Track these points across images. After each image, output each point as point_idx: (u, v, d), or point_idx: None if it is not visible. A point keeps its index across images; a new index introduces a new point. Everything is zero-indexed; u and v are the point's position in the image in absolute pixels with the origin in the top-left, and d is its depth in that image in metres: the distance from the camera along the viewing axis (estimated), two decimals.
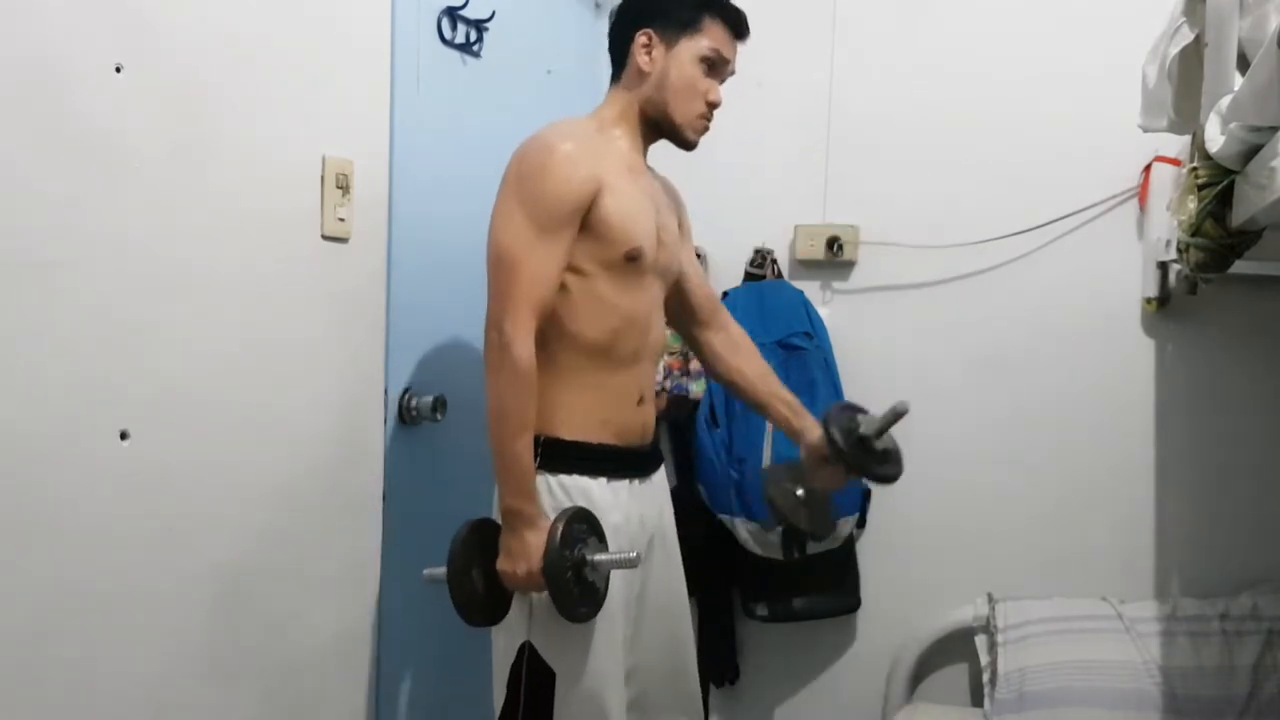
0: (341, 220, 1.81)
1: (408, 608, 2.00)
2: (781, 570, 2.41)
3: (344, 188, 1.81)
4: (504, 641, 1.74)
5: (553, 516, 1.67)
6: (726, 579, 2.53)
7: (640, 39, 1.80)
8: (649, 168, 1.89)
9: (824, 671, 2.61)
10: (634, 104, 1.82)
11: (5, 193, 1.25)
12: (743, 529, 2.37)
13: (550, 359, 1.70)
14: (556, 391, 1.71)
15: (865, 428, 1.84)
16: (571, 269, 1.70)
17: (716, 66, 1.82)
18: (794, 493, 1.90)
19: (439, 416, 1.98)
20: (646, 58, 1.79)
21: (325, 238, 1.78)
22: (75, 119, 1.33)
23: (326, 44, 1.77)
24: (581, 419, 1.73)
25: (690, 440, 2.47)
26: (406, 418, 1.98)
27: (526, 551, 1.63)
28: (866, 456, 1.85)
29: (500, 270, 1.67)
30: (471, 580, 1.70)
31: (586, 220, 1.69)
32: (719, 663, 2.57)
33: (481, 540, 1.71)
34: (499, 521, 1.71)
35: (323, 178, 1.77)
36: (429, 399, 1.97)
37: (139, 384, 1.44)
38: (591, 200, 1.68)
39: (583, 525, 1.67)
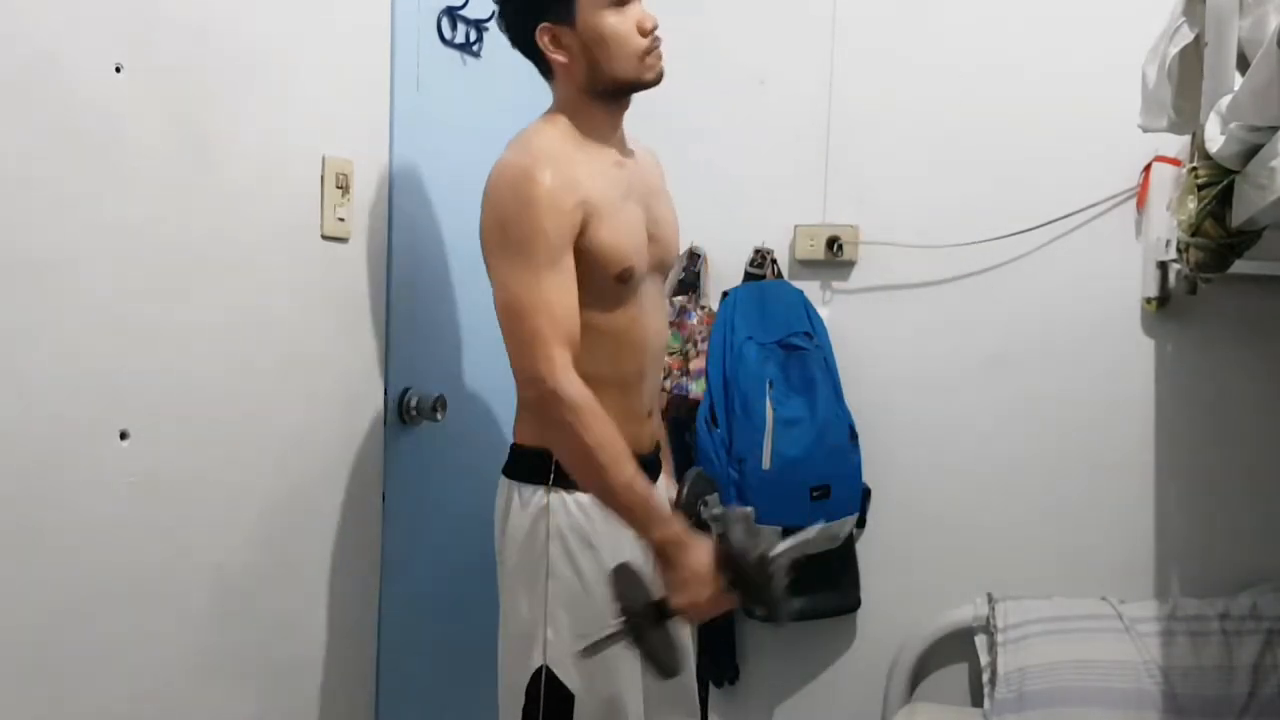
0: (341, 220, 1.81)
1: (408, 608, 2.00)
2: None
3: (344, 188, 1.81)
4: (514, 666, 1.69)
5: (568, 536, 1.61)
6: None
7: (542, 37, 1.66)
8: (627, 149, 1.77)
9: (824, 671, 2.60)
10: (580, 93, 1.69)
11: (4, 193, 1.25)
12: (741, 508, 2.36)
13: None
14: None
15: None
16: None
17: (634, 25, 1.66)
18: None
19: (439, 416, 1.98)
20: (559, 53, 1.66)
21: (325, 238, 1.78)
22: (75, 119, 1.33)
23: (326, 44, 1.77)
24: None
25: (690, 440, 2.47)
26: (406, 418, 1.98)
27: (699, 575, 1.51)
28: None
29: (516, 323, 1.56)
30: (651, 634, 1.51)
31: (576, 245, 1.60)
32: (719, 663, 2.57)
33: (637, 587, 1.53)
34: (628, 564, 1.57)
35: (323, 178, 1.77)
36: (429, 399, 1.97)
37: (139, 384, 1.44)
38: (583, 222, 1.60)
39: (741, 523, 1.54)
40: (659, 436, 1.89)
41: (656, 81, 1.71)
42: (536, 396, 1.56)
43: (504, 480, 1.73)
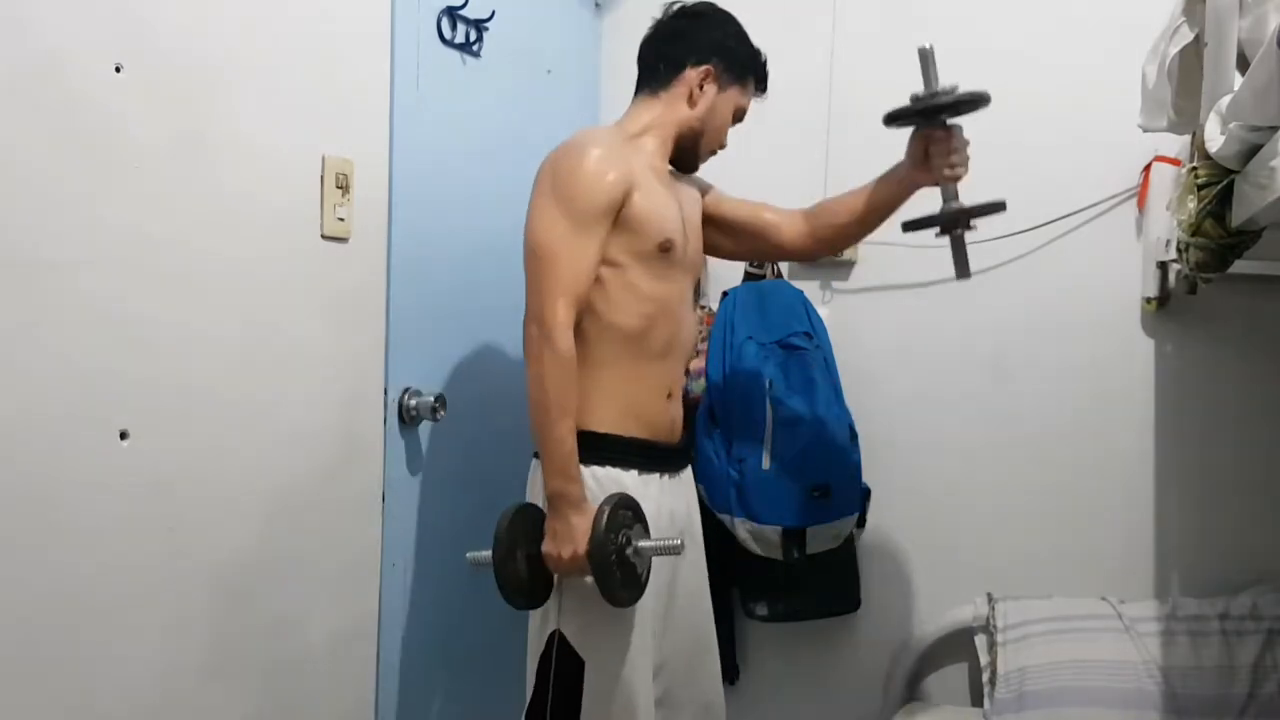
0: (341, 220, 1.81)
1: (408, 608, 2.00)
2: (781, 570, 2.40)
3: (344, 187, 1.81)
4: (535, 630, 1.78)
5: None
6: (726, 579, 2.53)
7: (703, 70, 1.87)
8: (672, 173, 1.94)
9: (824, 671, 2.60)
10: (670, 123, 1.88)
11: (5, 193, 1.25)
12: (742, 529, 2.37)
13: (585, 352, 1.73)
14: (589, 385, 1.74)
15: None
16: (606, 262, 1.75)
17: (739, 118, 1.96)
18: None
19: (439, 416, 1.98)
20: (700, 90, 1.88)
21: (325, 237, 1.79)
22: (75, 119, 1.33)
23: (326, 44, 1.77)
24: (613, 413, 1.77)
25: (690, 439, 2.47)
26: (406, 417, 1.98)
27: (572, 534, 1.66)
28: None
29: (538, 264, 1.71)
30: (515, 564, 1.71)
31: (620, 217, 1.74)
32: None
33: (525, 524, 1.73)
34: (541, 507, 1.74)
35: (323, 177, 1.77)
36: (429, 399, 1.97)
37: (139, 384, 1.44)
38: (624, 199, 1.73)
39: (627, 511, 1.70)
40: (681, 428, 1.95)
41: (693, 170, 1.98)
42: (536, 333, 1.69)
43: (534, 461, 1.80)
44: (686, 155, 1.92)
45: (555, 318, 1.68)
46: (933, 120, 1.86)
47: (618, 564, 1.66)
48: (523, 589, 1.73)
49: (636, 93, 1.93)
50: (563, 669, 1.72)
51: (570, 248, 1.70)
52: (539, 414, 1.69)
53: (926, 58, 1.81)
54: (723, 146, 1.96)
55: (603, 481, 1.75)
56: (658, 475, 1.83)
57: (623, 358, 1.78)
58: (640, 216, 1.75)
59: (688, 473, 1.94)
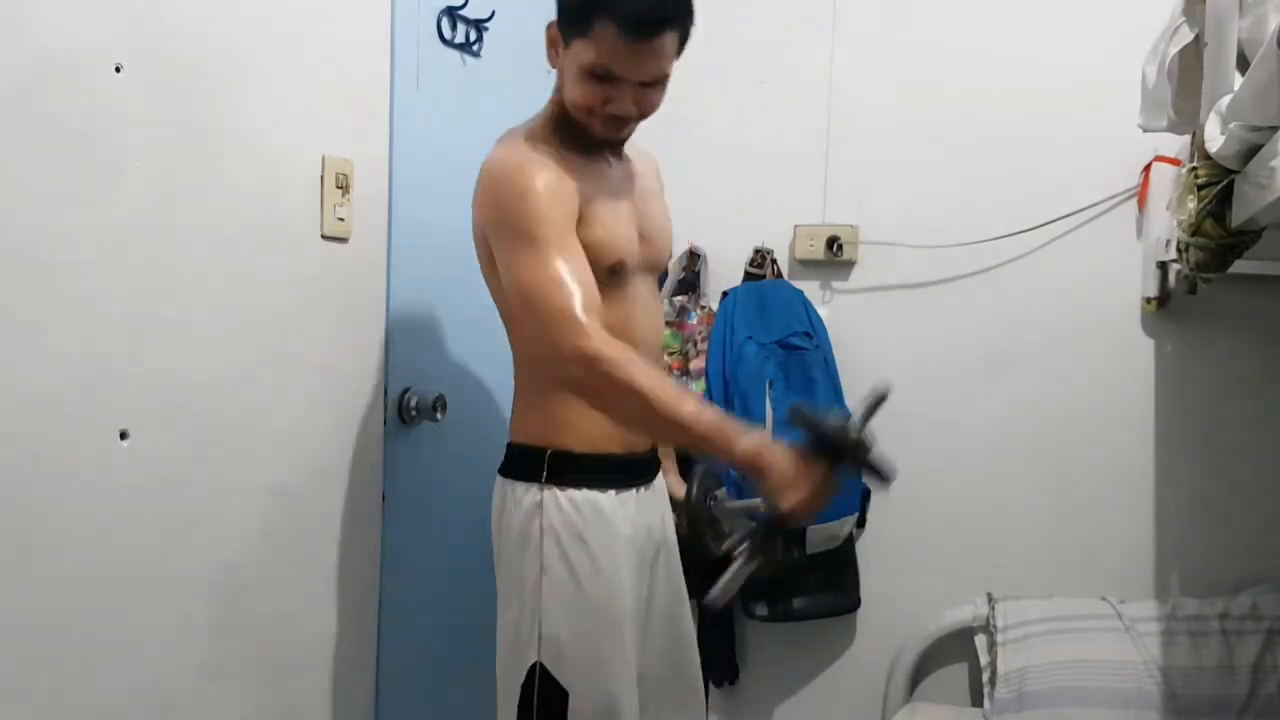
0: (341, 220, 1.81)
1: (408, 608, 2.00)
2: (781, 570, 2.40)
3: (344, 187, 1.81)
4: (509, 663, 1.69)
5: (561, 532, 1.63)
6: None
7: (548, 30, 1.63)
8: (611, 156, 1.74)
9: (824, 671, 2.61)
10: (552, 104, 1.69)
11: (5, 193, 1.25)
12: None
13: (549, 375, 1.63)
14: (559, 406, 1.65)
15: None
16: None
17: (606, 80, 1.58)
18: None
19: (439, 416, 1.98)
20: (553, 53, 1.64)
21: (325, 238, 1.78)
22: (75, 119, 1.33)
23: (326, 44, 1.77)
24: (588, 431, 1.66)
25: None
26: (406, 417, 1.98)
27: (794, 472, 1.44)
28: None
29: (536, 306, 1.52)
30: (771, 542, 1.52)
31: None
32: (719, 663, 2.57)
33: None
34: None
35: (323, 177, 1.77)
36: (429, 399, 1.97)
37: (139, 384, 1.44)
38: (579, 211, 1.58)
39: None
40: None
41: (606, 143, 1.69)
42: (581, 369, 1.47)
43: (499, 479, 1.73)
44: (580, 129, 1.66)
45: (587, 336, 1.46)
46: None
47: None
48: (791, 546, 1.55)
49: None
50: (545, 701, 1.64)
51: (556, 271, 1.51)
52: (660, 423, 1.49)
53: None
54: (613, 113, 1.61)
55: (580, 506, 1.65)
56: (634, 491, 1.73)
57: None
58: (587, 240, 1.58)
59: (659, 481, 1.85)
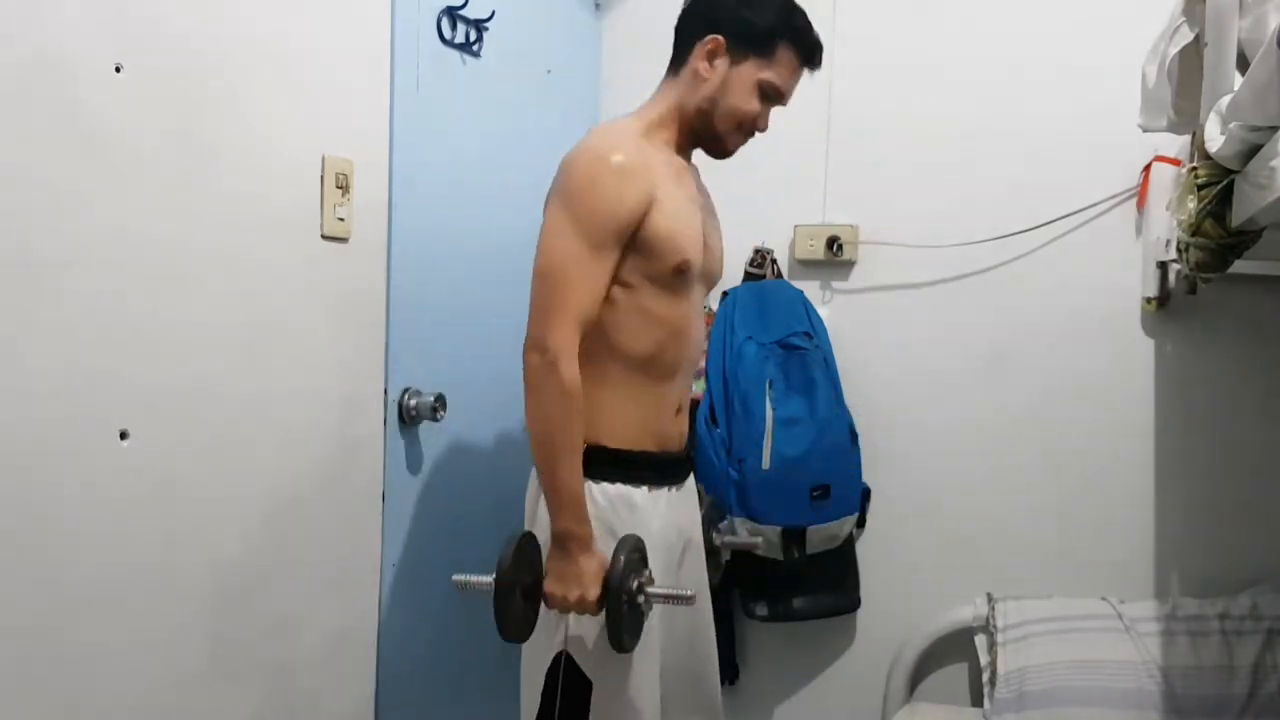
0: (341, 220, 1.81)
1: (408, 608, 2.00)
2: (781, 570, 2.41)
3: (344, 187, 1.81)
4: (534, 652, 1.70)
5: (594, 525, 1.64)
6: (726, 579, 2.53)
7: (706, 43, 1.73)
8: (692, 166, 1.85)
9: (824, 671, 2.61)
10: (683, 106, 1.76)
11: (5, 192, 1.25)
12: (742, 529, 2.37)
13: (595, 369, 1.66)
14: (601, 400, 1.67)
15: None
16: (618, 282, 1.66)
17: (770, 96, 1.77)
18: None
19: (439, 416, 1.98)
20: (707, 64, 1.74)
21: (325, 237, 1.78)
22: (75, 119, 1.33)
23: (326, 44, 1.77)
24: (624, 428, 1.70)
25: (690, 439, 2.47)
26: (406, 417, 1.98)
27: (580, 578, 1.59)
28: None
29: (548, 284, 1.61)
30: (515, 597, 1.62)
31: (636, 235, 1.65)
32: (719, 663, 2.57)
33: (526, 557, 1.64)
34: (541, 519, 1.68)
35: (322, 177, 1.77)
36: (429, 398, 1.97)
37: (139, 384, 1.44)
38: (643, 218, 1.64)
39: (636, 554, 1.63)
40: (687, 437, 1.90)
41: (724, 155, 1.83)
42: (539, 361, 1.59)
43: (534, 472, 1.73)
44: (706, 140, 1.80)
45: (561, 345, 1.58)
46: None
47: (629, 611, 1.60)
48: (517, 622, 1.64)
49: (664, 78, 1.82)
50: (570, 690, 1.66)
51: (582, 270, 1.61)
52: (543, 451, 1.60)
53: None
54: (757, 128, 1.79)
55: (613, 498, 1.68)
56: (666, 490, 1.77)
57: (632, 377, 1.70)
58: (657, 238, 1.65)
59: (691, 481, 1.89)
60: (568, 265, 1.61)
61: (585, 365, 1.65)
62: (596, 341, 1.67)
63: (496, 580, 1.60)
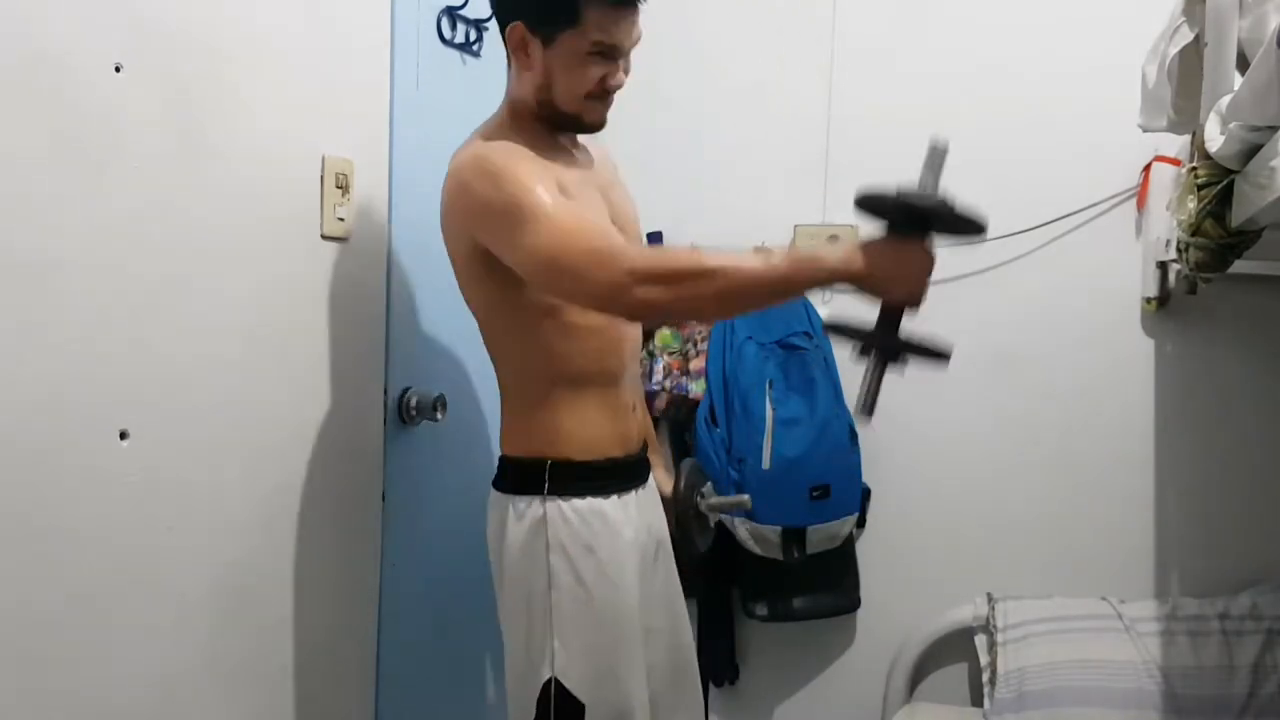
0: (341, 220, 1.81)
1: (408, 608, 2.00)
2: (781, 570, 2.41)
3: (344, 187, 1.81)
4: (521, 681, 1.68)
5: (568, 544, 1.63)
6: (726, 579, 2.53)
7: (512, 33, 1.62)
8: (571, 146, 1.74)
9: (824, 671, 2.61)
10: (525, 102, 1.66)
11: (5, 192, 1.25)
12: (742, 529, 2.37)
13: (543, 390, 1.65)
14: (556, 413, 1.66)
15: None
16: (534, 304, 1.61)
17: (608, 54, 1.61)
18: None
19: (439, 416, 1.98)
20: (522, 55, 1.62)
21: (325, 237, 1.78)
22: (75, 118, 1.33)
23: (326, 44, 1.77)
24: (586, 438, 1.67)
25: (690, 440, 2.47)
26: (406, 417, 1.98)
27: (890, 264, 1.45)
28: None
29: (560, 265, 1.48)
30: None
31: None
32: (719, 663, 2.57)
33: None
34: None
35: (322, 177, 1.77)
36: (429, 398, 1.97)
37: (139, 384, 1.44)
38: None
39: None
40: (647, 433, 1.90)
41: (595, 127, 1.69)
42: (647, 285, 1.44)
43: (495, 494, 1.71)
44: (565, 124, 1.68)
45: (633, 259, 1.44)
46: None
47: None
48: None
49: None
50: (563, 716, 1.63)
51: (561, 222, 1.49)
52: (749, 294, 1.47)
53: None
54: (610, 89, 1.64)
55: (584, 514, 1.64)
56: (633, 493, 1.74)
57: (580, 391, 1.67)
58: None
59: (652, 479, 1.85)
60: (548, 237, 1.48)
61: (533, 383, 1.64)
62: (538, 365, 1.65)
63: (877, 351, 1.52)
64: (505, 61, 1.71)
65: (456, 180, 1.61)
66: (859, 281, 1.45)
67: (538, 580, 1.64)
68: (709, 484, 1.98)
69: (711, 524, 2.00)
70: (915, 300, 1.49)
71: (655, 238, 2.46)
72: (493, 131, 1.67)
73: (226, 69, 1.57)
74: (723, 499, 2.05)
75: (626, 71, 1.66)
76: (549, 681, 1.63)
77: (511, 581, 1.68)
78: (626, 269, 1.44)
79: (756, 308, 1.51)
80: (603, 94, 1.64)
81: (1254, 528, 2.37)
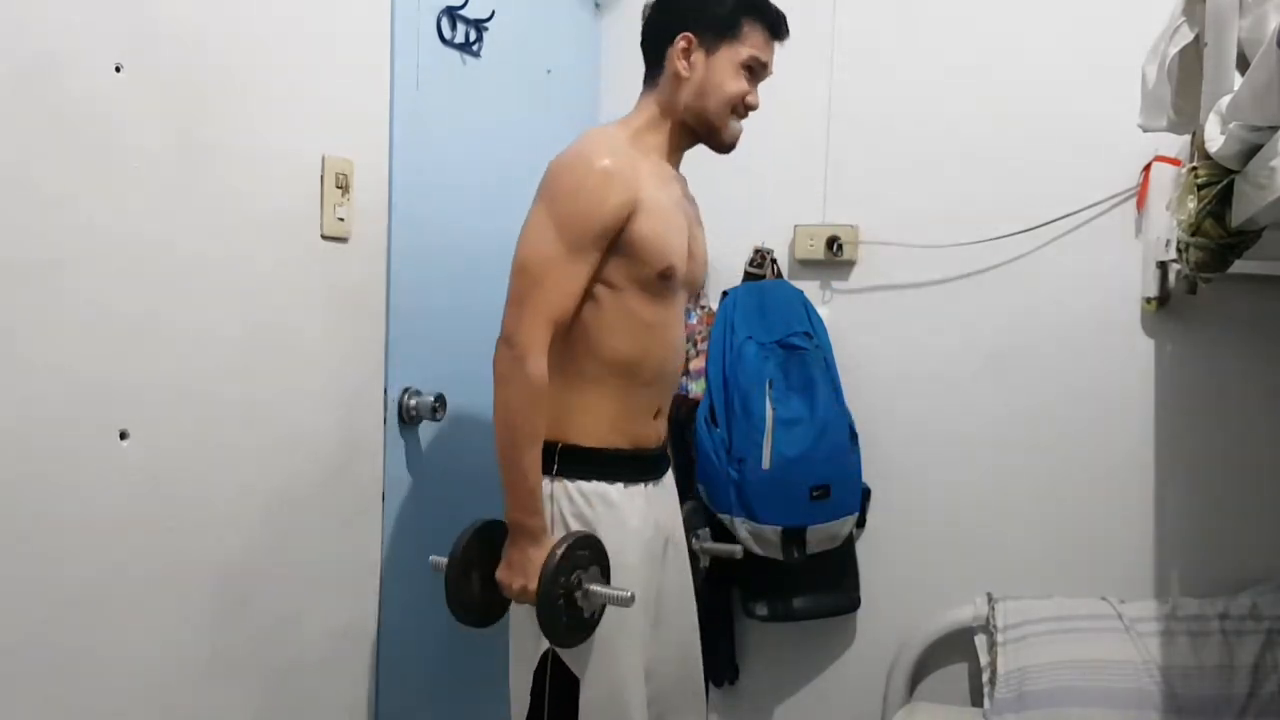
0: (341, 220, 1.81)
1: (408, 608, 2.00)
2: (781, 570, 2.41)
3: (344, 187, 1.81)
4: (522, 649, 1.74)
5: (571, 523, 1.68)
6: (726, 579, 2.53)
7: (679, 43, 1.78)
8: (680, 176, 1.88)
9: (824, 671, 2.61)
10: (670, 109, 1.81)
11: (5, 192, 1.25)
12: (742, 528, 2.37)
13: (574, 368, 1.70)
14: (578, 399, 1.71)
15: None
16: (604, 283, 1.69)
17: (755, 72, 1.82)
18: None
19: (439, 416, 1.98)
20: (685, 63, 1.78)
21: (325, 237, 1.79)
22: (75, 118, 1.33)
23: (326, 44, 1.77)
24: (600, 427, 1.73)
25: (690, 440, 2.47)
26: (406, 417, 1.98)
27: (526, 566, 1.64)
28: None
29: (523, 280, 1.64)
30: (470, 582, 1.72)
31: (620, 239, 1.67)
32: (719, 663, 2.57)
33: (487, 542, 1.73)
34: (503, 523, 1.71)
35: (322, 177, 1.77)
36: (429, 398, 1.97)
37: (139, 384, 1.44)
38: (626, 222, 1.67)
39: (584, 551, 1.65)
40: (665, 437, 1.92)
41: (728, 150, 1.86)
42: (508, 353, 1.63)
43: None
44: (703, 135, 1.84)
45: (531, 341, 1.62)
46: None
47: (565, 606, 1.62)
48: (472, 607, 1.75)
49: (642, 89, 1.86)
50: (557, 688, 1.69)
51: (560, 271, 1.64)
52: (505, 440, 1.64)
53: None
54: (749, 106, 1.84)
55: (588, 494, 1.71)
56: (642, 486, 1.78)
57: (613, 378, 1.73)
58: (642, 243, 1.68)
59: (669, 477, 1.90)
60: (544, 264, 1.64)
61: (565, 364, 1.68)
62: (579, 341, 1.70)
63: (448, 564, 1.70)
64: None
65: (562, 159, 1.70)
66: (511, 539, 1.68)
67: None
68: (706, 529, 2.10)
69: (703, 565, 2.12)
70: (500, 585, 1.70)
71: None
72: (633, 129, 1.80)
73: (226, 69, 1.57)
74: (715, 545, 2.19)
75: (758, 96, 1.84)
76: (546, 653, 1.69)
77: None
78: (524, 339, 1.62)
79: (500, 455, 1.66)
80: (743, 111, 1.83)
81: (1254, 528, 2.37)
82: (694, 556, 2.05)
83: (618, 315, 1.71)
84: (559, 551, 1.61)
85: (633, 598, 1.65)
